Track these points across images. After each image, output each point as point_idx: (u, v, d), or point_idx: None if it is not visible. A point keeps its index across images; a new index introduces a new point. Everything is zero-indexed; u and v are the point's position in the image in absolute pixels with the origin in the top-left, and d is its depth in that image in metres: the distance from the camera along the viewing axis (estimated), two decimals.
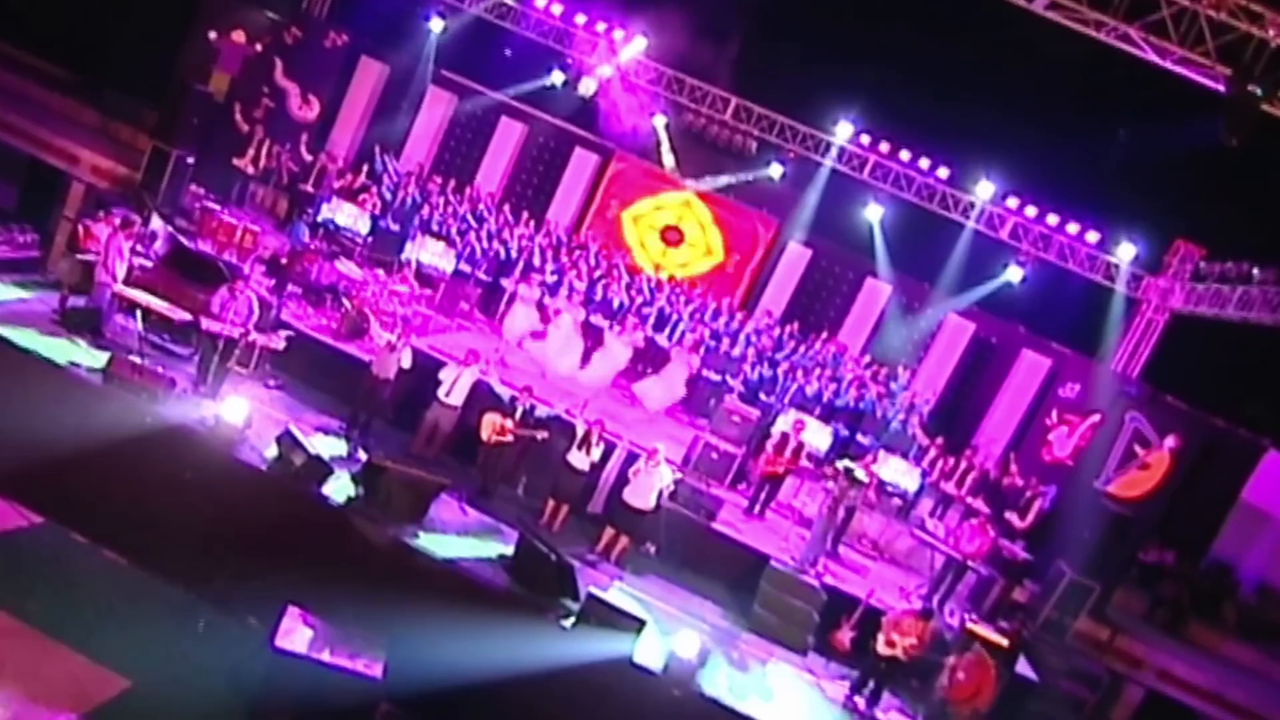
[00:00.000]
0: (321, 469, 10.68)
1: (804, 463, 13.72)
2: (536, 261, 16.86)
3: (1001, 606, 12.95)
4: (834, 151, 17.91)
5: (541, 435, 12.19)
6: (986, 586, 13.10)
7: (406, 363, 12.36)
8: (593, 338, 15.90)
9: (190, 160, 15.66)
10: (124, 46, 17.43)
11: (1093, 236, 17.21)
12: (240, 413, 10.83)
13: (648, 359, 16.34)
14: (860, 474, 12.72)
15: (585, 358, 15.56)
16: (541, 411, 12.48)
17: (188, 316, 11.98)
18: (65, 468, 10.08)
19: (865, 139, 17.76)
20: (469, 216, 17.51)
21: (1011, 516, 13.53)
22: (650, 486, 11.69)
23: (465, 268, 16.69)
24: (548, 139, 19.44)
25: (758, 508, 13.65)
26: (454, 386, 12.25)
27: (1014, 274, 17.47)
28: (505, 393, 12.57)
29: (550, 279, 16.46)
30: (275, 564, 9.91)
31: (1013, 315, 17.98)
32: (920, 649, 10.70)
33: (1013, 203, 17.44)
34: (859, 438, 15.56)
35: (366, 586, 9.87)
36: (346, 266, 15.13)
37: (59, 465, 10.05)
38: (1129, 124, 14.22)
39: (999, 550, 12.86)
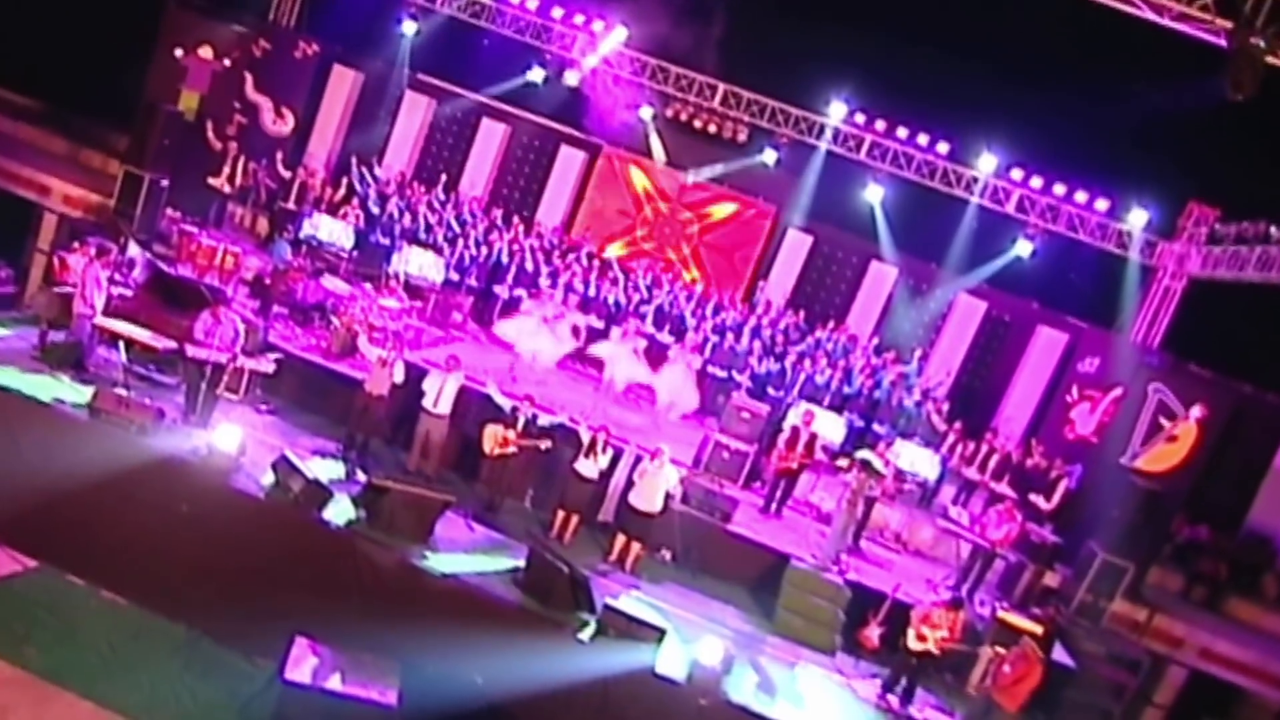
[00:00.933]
0: (321, 493, 10.48)
1: (819, 456, 13.43)
2: (529, 266, 16.48)
3: (1033, 593, 12.69)
4: (828, 133, 17.50)
5: (545, 445, 11.93)
6: (1016, 573, 12.83)
7: (400, 378, 12.09)
8: (595, 340, 15.51)
9: (164, 183, 15.35)
10: (89, 71, 17.02)
11: (1102, 204, 16.82)
12: (233, 440, 10.64)
13: (651, 358, 15.93)
14: (878, 464, 12.40)
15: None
16: (544, 420, 12.19)
17: (172, 344, 11.70)
18: (57, 508, 9.98)
19: (860, 118, 17.36)
20: (454, 223, 17.11)
21: (1037, 499, 13.28)
22: (655, 488, 11.47)
23: (455, 276, 16.33)
24: (531, 138, 19.09)
25: (774, 506, 13.34)
26: (439, 395, 12.01)
27: (1023, 248, 17.06)
28: (506, 403, 12.21)
29: (544, 283, 16.14)
30: (280, 594, 9.79)
31: (1025, 291, 17.60)
32: (952, 641, 10.43)
33: (1017, 174, 17.03)
34: (874, 427, 15.20)
35: (375, 611, 9.75)
36: (332, 283, 14.88)
37: (50, 506, 9.95)
38: (1131, 85, 13.80)
39: (1027, 535, 12.58)
